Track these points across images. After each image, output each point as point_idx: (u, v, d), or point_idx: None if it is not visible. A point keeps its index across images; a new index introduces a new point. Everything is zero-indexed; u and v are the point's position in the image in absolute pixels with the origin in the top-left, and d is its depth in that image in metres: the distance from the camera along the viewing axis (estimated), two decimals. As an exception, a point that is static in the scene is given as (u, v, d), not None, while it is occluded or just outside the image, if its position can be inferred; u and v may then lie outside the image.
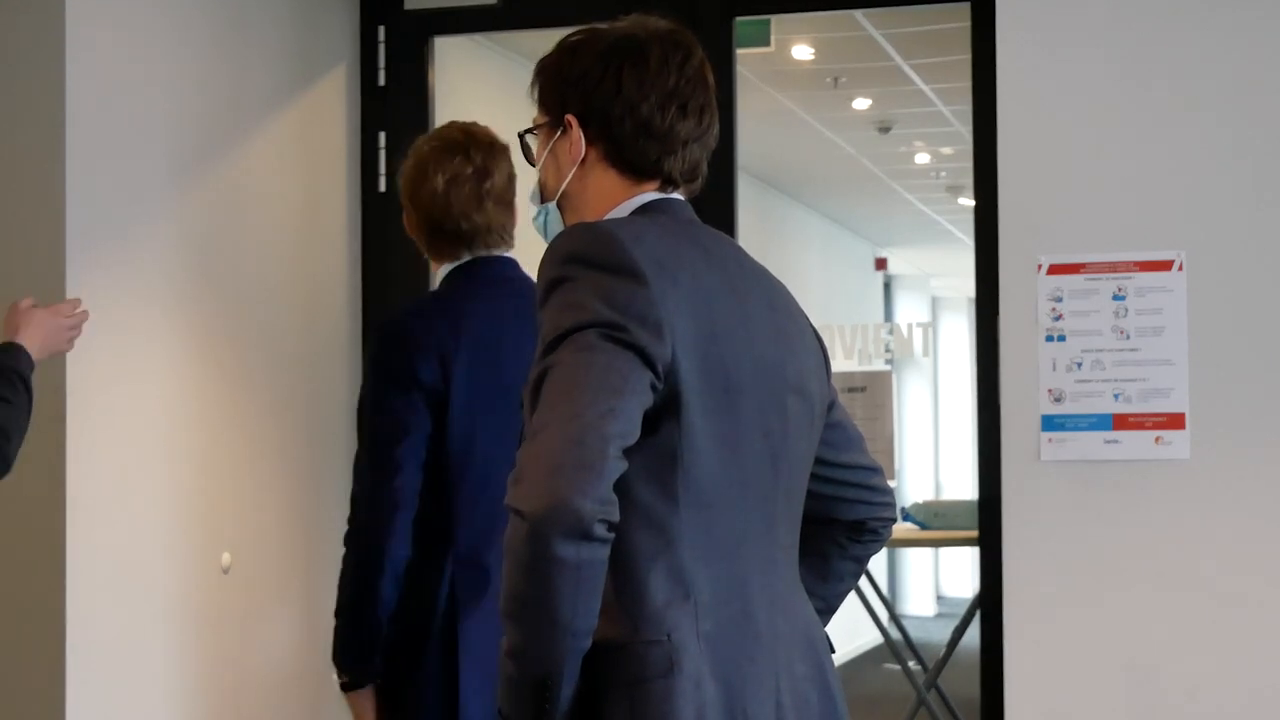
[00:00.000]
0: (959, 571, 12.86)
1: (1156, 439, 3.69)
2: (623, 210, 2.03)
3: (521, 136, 2.14)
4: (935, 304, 13.69)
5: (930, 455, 13.13)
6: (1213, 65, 3.70)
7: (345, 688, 2.80)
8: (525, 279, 2.86)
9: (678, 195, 2.07)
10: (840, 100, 7.67)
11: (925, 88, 7.33)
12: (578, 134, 2.03)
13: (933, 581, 12.95)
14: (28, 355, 2.85)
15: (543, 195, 2.11)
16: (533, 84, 2.10)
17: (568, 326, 1.84)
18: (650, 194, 2.05)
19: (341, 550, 2.81)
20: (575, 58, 2.05)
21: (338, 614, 2.80)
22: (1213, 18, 3.70)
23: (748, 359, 1.95)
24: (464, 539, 2.77)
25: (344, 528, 2.81)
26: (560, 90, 2.05)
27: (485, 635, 2.67)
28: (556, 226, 2.10)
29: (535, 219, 2.13)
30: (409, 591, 2.75)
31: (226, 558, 3.88)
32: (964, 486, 11.49)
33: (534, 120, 2.11)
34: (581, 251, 1.90)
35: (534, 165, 2.12)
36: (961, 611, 5.99)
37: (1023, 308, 3.76)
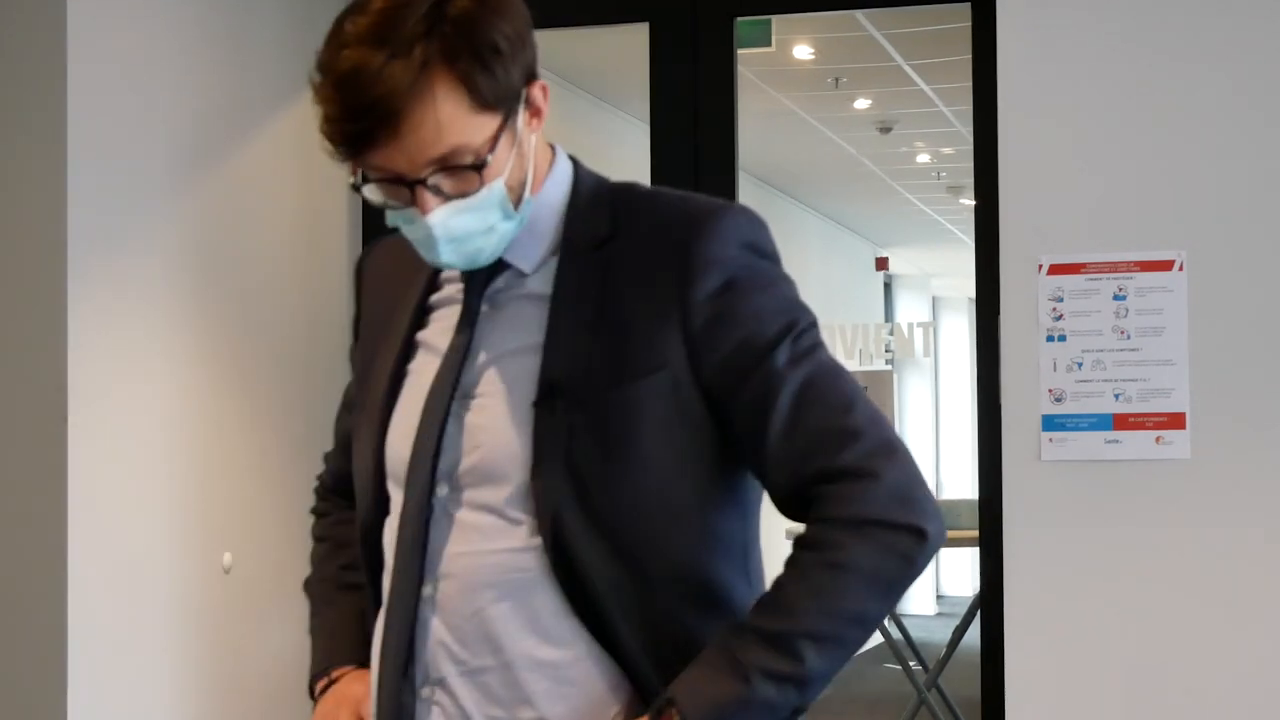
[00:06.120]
0: (959, 571, 12.87)
1: (1157, 439, 3.69)
2: (561, 172, 1.80)
3: (474, 167, 1.67)
4: (936, 304, 13.71)
5: (931, 455, 13.14)
6: (1213, 65, 3.70)
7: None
8: None
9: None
10: (841, 100, 7.68)
11: (926, 88, 7.34)
12: (537, 93, 1.72)
13: (933, 581, 12.95)
14: None
15: (515, 203, 1.72)
16: (481, 72, 1.64)
17: (797, 320, 1.74)
18: (554, 144, 1.81)
19: None
20: (513, 10, 1.70)
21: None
22: (1213, 18, 3.70)
23: None
24: None
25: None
26: (527, 56, 1.70)
27: None
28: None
29: (496, 235, 1.72)
30: None
31: (228, 558, 3.88)
32: (964, 486, 11.49)
33: (483, 141, 1.66)
34: (763, 242, 1.77)
35: (478, 187, 1.67)
36: (962, 611, 6.00)
37: (1023, 308, 3.76)
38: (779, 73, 7.03)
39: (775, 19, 5.83)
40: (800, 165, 9.22)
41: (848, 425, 1.70)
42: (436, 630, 1.73)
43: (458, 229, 1.68)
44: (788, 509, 1.75)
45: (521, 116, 1.70)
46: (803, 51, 6.77)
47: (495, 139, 1.66)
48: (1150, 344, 3.70)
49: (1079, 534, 3.71)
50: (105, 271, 3.48)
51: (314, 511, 2.10)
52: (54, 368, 3.34)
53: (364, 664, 1.87)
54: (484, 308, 1.78)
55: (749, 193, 5.43)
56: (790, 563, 1.71)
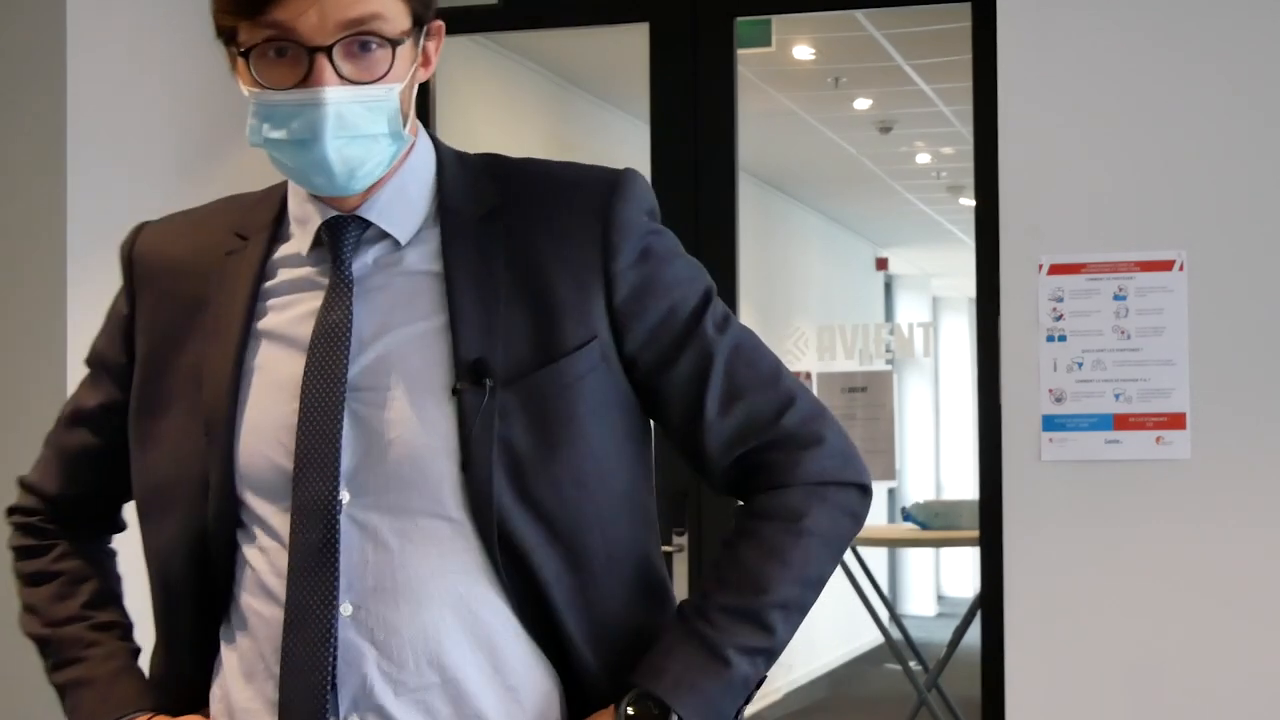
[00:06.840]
0: (959, 571, 12.86)
1: (1157, 439, 3.69)
2: (425, 141, 1.73)
3: (388, 41, 1.60)
4: (936, 304, 13.69)
5: (931, 455, 13.13)
6: (1213, 65, 3.70)
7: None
8: None
9: None
10: (841, 100, 7.68)
11: (926, 88, 7.34)
12: (436, 32, 1.69)
13: (933, 581, 12.95)
14: None
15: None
16: None
17: (712, 287, 1.72)
18: None
19: None
20: None
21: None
22: (1213, 18, 3.70)
23: None
24: None
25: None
26: None
27: None
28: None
29: (379, 150, 1.62)
30: None
31: (227, 558, 3.88)
32: (964, 486, 11.49)
33: (399, 31, 1.60)
34: (657, 208, 1.73)
35: (383, 73, 1.60)
36: (962, 611, 5.99)
37: (1023, 308, 3.76)
38: (779, 73, 7.03)
39: (775, 19, 5.82)
40: (800, 165, 9.21)
41: (781, 390, 1.68)
42: (365, 652, 1.57)
43: (349, 117, 1.55)
44: (722, 478, 1.69)
45: (419, 50, 1.64)
46: (803, 51, 6.77)
47: (406, 36, 1.60)
48: (1150, 344, 3.70)
49: (1079, 534, 3.71)
50: (105, 272, 3.47)
51: (19, 549, 1.83)
52: (54, 368, 3.34)
53: (160, 709, 1.71)
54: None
55: (749, 193, 5.43)
56: (745, 533, 1.66)
